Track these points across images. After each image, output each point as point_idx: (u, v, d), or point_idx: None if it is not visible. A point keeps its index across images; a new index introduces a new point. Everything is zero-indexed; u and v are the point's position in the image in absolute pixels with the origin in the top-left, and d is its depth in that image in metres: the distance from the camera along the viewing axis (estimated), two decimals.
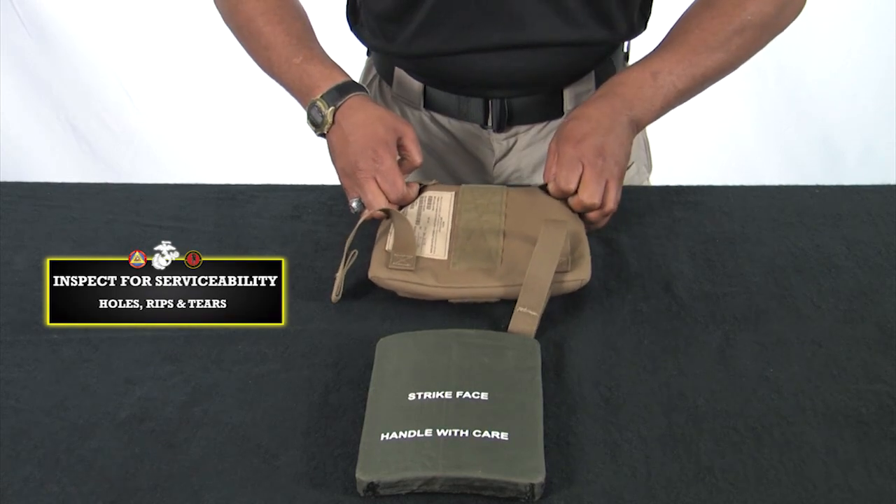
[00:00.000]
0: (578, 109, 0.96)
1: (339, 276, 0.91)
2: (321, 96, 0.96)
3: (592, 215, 0.93)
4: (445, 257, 0.91)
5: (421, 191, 0.98)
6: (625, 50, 1.16)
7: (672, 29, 1.01)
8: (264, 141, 2.24)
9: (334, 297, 0.91)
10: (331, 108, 0.95)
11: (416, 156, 0.96)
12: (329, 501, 0.71)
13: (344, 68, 1.01)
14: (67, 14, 2.24)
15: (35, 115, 2.35)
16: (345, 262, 0.91)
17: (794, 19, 1.00)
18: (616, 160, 0.93)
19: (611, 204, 0.92)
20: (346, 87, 0.97)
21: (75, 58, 2.29)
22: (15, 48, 2.26)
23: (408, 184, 0.95)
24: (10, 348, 0.87)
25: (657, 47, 0.99)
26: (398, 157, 0.95)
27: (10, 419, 0.79)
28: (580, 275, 0.89)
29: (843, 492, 0.70)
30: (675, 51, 0.97)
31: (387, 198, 0.92)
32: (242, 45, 1.06)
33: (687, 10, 1.01)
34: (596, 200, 0.91)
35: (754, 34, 0.98)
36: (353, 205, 0.94)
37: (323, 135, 0.97)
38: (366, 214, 0.91)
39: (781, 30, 1.01)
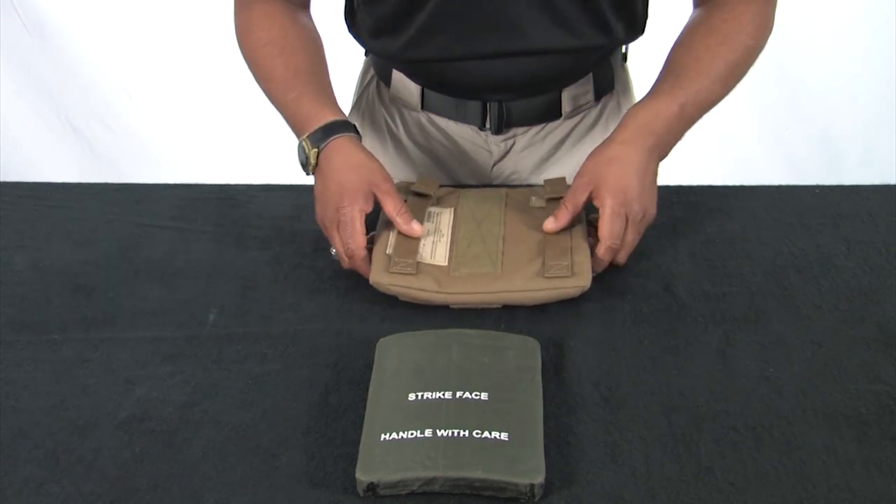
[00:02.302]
0: (614, 148, 0.93)
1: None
2: (306, 136, 0.95)
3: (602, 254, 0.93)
4: (446, 263, 0.91)
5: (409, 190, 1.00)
6: (623, 50, 1.16)
7: (677, 53, 1.00)
8: (264, 141, 2.23)
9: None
10: (314, 150, 0.94)
11: (389, 206, 0.93)
12: (329, 501, 0.71)
13: (338, 101, 1.00)
14: (67, 14, 2.24)
15: (35, 115, 2.35)
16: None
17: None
18: (649, 218, 0.93)
19: (623, 256, 0.93)
20: (332, 128, 0.95)
21: (75, 58, 2.29)
22: (15, 48, 2.26)
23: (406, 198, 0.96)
24: (10, 348, 0.87)
25: (670, 72, 0.98)
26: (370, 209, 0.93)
27: (10, 419, 0.79)
28: (580, 282, 0.89)
29: (843, 492, 0.70)
30: (694, 80, 0.96)
31: (346, 248, 0.91)
32: (250, 72, 1.06)
33: (687, 34, 1.01)
34: (620, 256, 0.93)
35: (750, 61, 0.99)
36: (332, 252, 0.94)
37: (311, 174, 0.97)
38: (345, 264, 0.93)
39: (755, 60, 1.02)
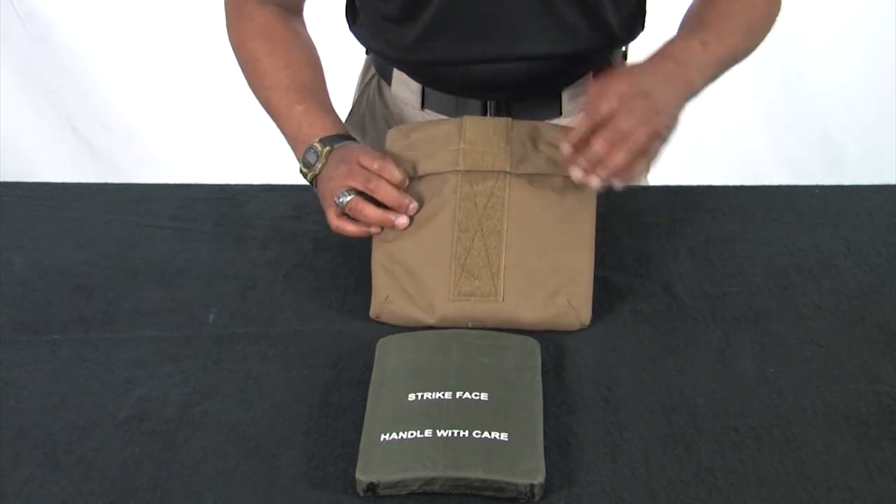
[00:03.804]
0: (627, 68, 0.93)
1: None
2: (320, 140, 0.96)
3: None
4: (445, 277, 0.89)
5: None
6: (623, 49, 1.16)
7: (694, 11, 0.99)
8: (264, 141, 2.23)
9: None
10: (326, 149, 0.95)
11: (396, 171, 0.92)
12: (329, 501, 0.71)
13: (338, 101, 1.03)
14: (67, 14, 2.24)
15: (35, 115, 2.35)
16: None
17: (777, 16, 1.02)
18: (660, 111, 0.85)
19: (623, 159, 0.83)
20: (346, 138, 0.98)
21: (75, 58, 2.29)
22: (15, 48, 2.26)
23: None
24: (10, 348, 0.87)
25: (687, 26, 0.96)
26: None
27: (10, 419, 0.79)
28: (581, 318, 0.88)
29: (843, 492, 0.70)
30: (715, 26, 0.95)
31: (369, 165, 0.90)
32: (245, 78, 1.06)
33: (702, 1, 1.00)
34: (608, 147, 0.82)
35: (766, 25, 0.99)
36: (338, 199, 0.90)
37: (314, 178, 0.96)
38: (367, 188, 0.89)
39: (773, 22, 1.02)
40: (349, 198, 0.90)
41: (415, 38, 1.03)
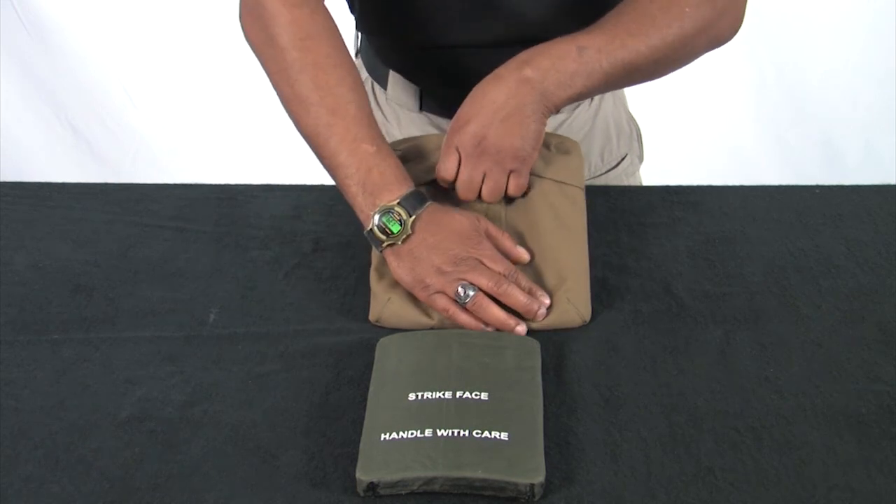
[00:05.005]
0: (483, 82, 0.88)
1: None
2: (399, 202, 0.86)
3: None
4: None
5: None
6: None
7: (623, 4, 0.93)
8: (264, 141, 2.24)
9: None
10: (412, 218, 0.86)
11: (505, 240, 0.90)
12: (329, 501, 0.71)
13: None
14: (67, 14, 2.24)
15: (35, 115, 2.35)
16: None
17: (731, 35, 0.95)
18: (501, 150, 0.87)
19: (511, 190, 0.91)
20: (422, 195, 0.88)
21: (75, 58, 2.29)
22: (15, 48, 2.26)
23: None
24: (10, 348, 0.87)
25: (599, 22, 0.91)
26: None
27: (10, 419, 0.79)
28: (581, 313, 0.88)
29: (843, 492, 0.70)
30: (608, 30, 0.89)
31: (503, 267, 0.86)
32: (274, 75, 0.93)
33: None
34: (469, 196, 0.90)
35: (692, 33, 0.90)
36: (461, 291, 0.85)
37: (390, 244, 0.87)
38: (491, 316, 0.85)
39: (719, 42, 0.94)
40: (474, 293, 0.85)
41: (409, 19, 1.01)
